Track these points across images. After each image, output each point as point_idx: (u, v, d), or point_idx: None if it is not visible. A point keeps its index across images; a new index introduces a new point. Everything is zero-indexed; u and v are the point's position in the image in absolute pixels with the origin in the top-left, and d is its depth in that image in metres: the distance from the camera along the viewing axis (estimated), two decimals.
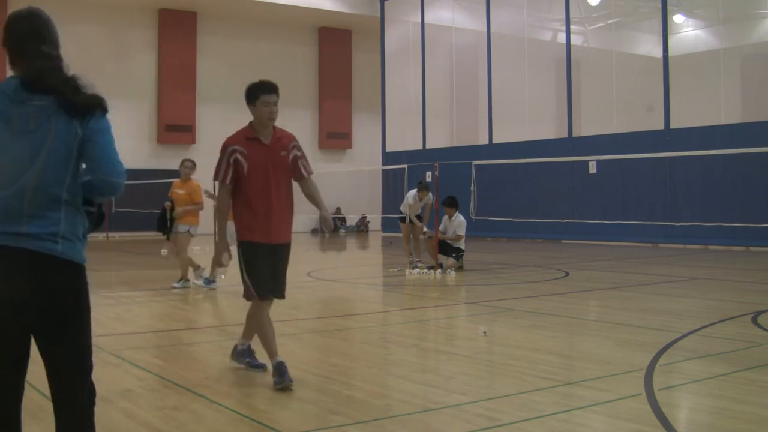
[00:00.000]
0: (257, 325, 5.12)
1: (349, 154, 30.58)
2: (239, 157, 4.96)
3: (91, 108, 2.60)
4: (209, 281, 10.55)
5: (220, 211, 5.16)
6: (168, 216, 10.63)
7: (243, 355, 5.39)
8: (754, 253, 16.85)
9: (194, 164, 10.98)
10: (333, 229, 5.56)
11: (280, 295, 5.22)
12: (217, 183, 5.14)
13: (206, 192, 10.91)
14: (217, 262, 4.55)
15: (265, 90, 4.95)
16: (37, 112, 2.55)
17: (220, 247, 5.25)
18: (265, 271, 5.04)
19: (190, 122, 27.16)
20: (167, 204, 10.80)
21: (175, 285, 10.64)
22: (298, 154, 5.16)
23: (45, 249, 2.52)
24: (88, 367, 2.91)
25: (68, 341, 2.70)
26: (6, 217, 2.51)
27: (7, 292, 2.51)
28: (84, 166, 2.64)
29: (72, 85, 2.63)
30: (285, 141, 5.10)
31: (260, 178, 4.96)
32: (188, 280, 10.73)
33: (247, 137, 5.01)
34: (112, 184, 2.66)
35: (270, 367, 5.03)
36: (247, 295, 5.10)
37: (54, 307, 2.59)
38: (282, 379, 4.81)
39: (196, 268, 10.90)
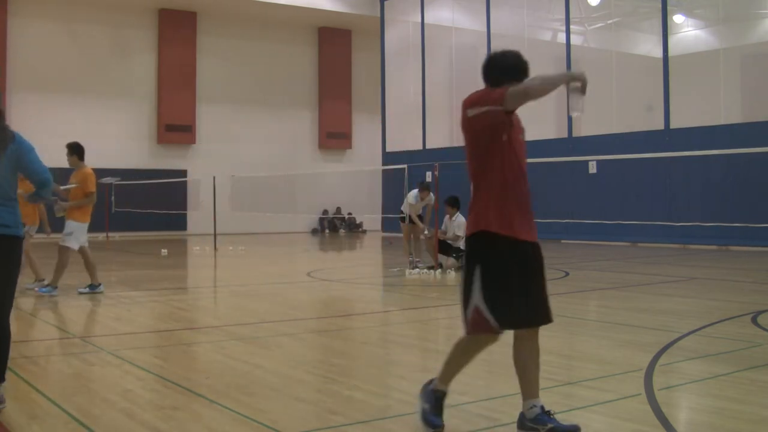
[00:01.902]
0: (466, 355, 3.91)
1: (349, 154, 30.59)
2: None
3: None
4: (52, 288, 9.59)
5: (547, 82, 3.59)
6: None
7: (540, 421, 3.81)
8: (753, 253, 16.84)
9: None
10: None
11: (549, 317, 3.80)
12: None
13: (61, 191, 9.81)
14: (579, 79, 3.50)
15: (511, 74, 3.79)
16: None
17: (567, 76, 3.62)
18: (522, 287, 3.71)
19: (190, 122, 27.17)
20: None
21: (28, 286, 10.00)
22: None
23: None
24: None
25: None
26: None
27: None
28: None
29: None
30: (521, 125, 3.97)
31: (520, 153, 3.83)
32: (44, 280, 10.05)
33: None
34: (46, 181, 4.52)
35: (431, 388, 3.97)
36: (476, 328, 3.73)
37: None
38: (433, 417, 3.85)
39: (40, 278, 10.18)
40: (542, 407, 3.82)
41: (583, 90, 3.58)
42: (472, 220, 3.81)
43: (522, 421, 3.86)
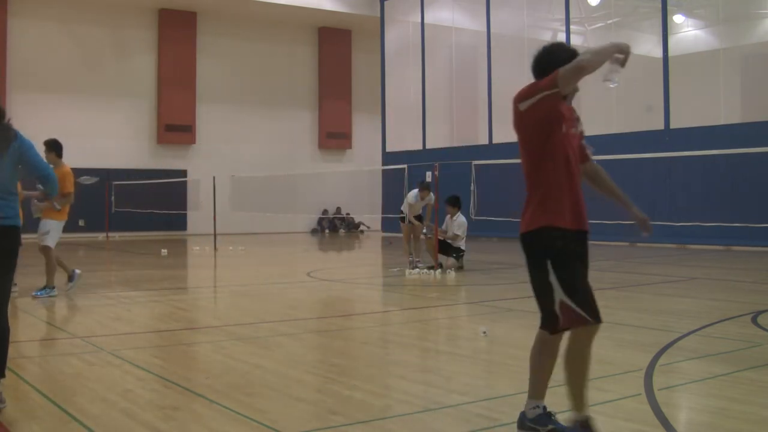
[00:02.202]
0: (581, 361, 3.70)
1: (349, 154, 30.57)
2: (560, 108, 3.70)
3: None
4: (49, 289, 9.46)
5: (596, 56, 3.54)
6: None
7: (541, 422, 3.76)
8: (754, 252, 16.84)
9: None
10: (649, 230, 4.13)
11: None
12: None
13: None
14: (625, 52, 3.54)
15: (561, 64, 3.65)
16: None
17: (615, 47, 3.60)
18: (586, 277, 3.74)
19: (189, 122, 27.16)
20: None
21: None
22: (583, 129, 3.94)
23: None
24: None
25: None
26: None
27: None
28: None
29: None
30: (575, 114, 3.89)
31: (576, 145, 3.81)
32: None
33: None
34: (48, 176, 4.97)
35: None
36: (571, 323, 3.62)
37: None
38: None
39: None
40: (545, 408, 3.79)
41: (623, 62, 3.55)
42: (531, 216, 3.73)
43: (522, 420, 3.82)
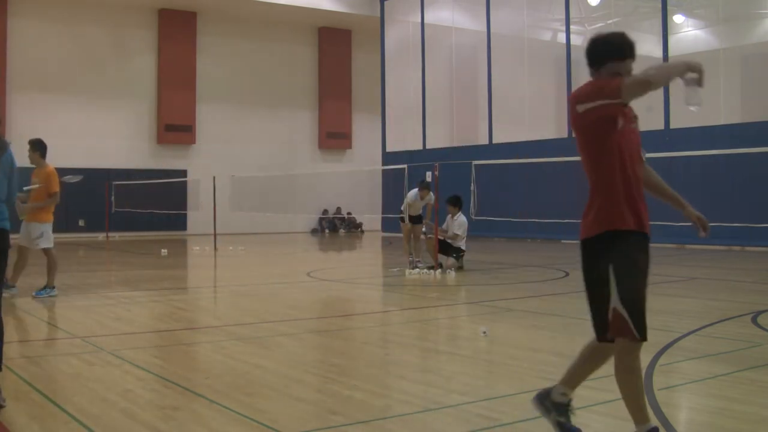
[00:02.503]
0: (631, 375, 3.51)
1: (349, 154, 30.58)
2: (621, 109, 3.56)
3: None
4: (50, 289, 9.44)
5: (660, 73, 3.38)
6: None
7: (558, 409, 3.81)
8: (753, 252, 16.84)
9: None
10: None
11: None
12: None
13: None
14: (696, 70, 3.32)
15: (615, 53, 3.55)
16: None
17: (685, 65, 3.32)
18: (645, 289, 3.54)
19: (189, 122, 27.16)
20: None
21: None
22: (639, 131, 3.72)
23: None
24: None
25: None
26: None
27: None
28: None
29: None
30: (633, 113, 3.68)
31: (636, 143, 3.65)
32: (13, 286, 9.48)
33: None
34: (12, 204, 4.88)
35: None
36: (619, 332, 3.47)
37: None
38: None
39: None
40: (570, 401, 3.79)
41: (700, 81, 3.35)
42: (594, 218, 3.61)
43: (545, 396, 3.82)
